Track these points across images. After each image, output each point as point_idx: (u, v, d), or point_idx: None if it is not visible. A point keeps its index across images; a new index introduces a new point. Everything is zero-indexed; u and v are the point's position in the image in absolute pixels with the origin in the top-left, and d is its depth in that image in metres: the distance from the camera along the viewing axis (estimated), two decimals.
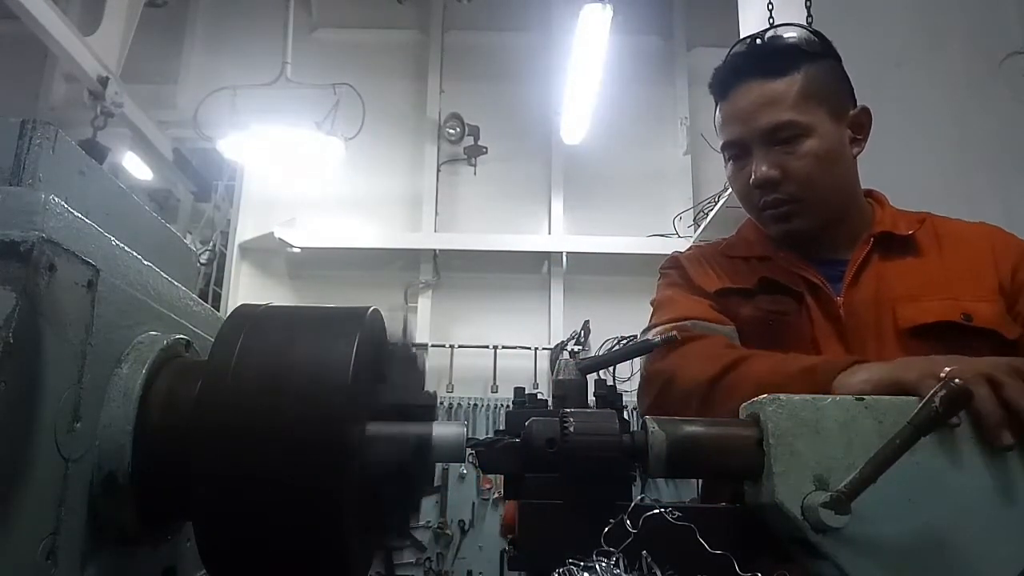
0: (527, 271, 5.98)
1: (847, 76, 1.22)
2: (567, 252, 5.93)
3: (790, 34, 1.18)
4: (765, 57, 1.16)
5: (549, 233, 6.03)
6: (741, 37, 1.23)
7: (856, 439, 0.69)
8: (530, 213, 6.11)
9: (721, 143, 1.23)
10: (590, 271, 5.59)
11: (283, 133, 5.25)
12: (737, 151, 1.20)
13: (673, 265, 1.32)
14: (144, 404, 0.68)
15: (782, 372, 0.89)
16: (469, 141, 6.08)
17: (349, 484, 0.60)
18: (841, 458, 0.68)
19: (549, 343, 5.69)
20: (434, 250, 5.92)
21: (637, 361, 1.16)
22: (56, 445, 0.59)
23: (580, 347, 5.34)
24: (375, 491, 0.66)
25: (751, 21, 2.91)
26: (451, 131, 6.07)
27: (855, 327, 1.12)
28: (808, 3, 2.32)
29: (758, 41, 1.19)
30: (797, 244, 1.21)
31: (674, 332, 1.05)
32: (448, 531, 5.04)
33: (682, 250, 1.37)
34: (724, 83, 1.20)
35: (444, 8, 6.42)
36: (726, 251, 1.31)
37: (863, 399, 0.71)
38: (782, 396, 0.71)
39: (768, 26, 1.21)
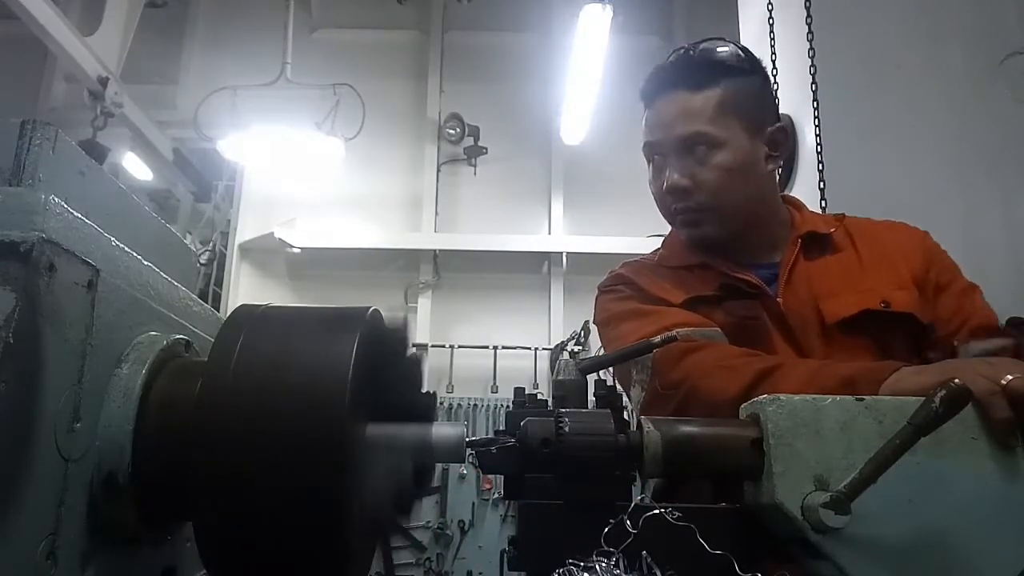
0: (527, 271, 5.98)
1: (771, 94, 1.30)
2: (567, 252, 5.93)
3: (722, 48, 1.23)
4: (689, 70, 1.21)
5: (549, 233, 6.04)
6: (675, 48, 1.28)
7: (856, 439, 0.68)
8: (530, 213, 6.11)
9: (642, 148, 1.28)
10: (590, 271, 5.58)
11: (283, 133, 5.25)
12: (655, 157, 1.25)
13: (620, 281, 1.32)
14: (144, 404, 0.68)
15: (817, 385, 0.89)
16: (469, 141, 6.08)
17: (349, 484, 0.60)
18: (841, 458, 0.68)
19: (549, 343, 5.69)
20: (434, 250, 5.92)
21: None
22: (56, 445, 0.59)
23: (580, 347, 5.34)
24: (375, 491, 0.66)
25: (751, 21, 2.91)
26: (451, 131, 6.07)
27: (797, 324, 1.17)
28: (808, 3, 2.32)
29: (690, 53, 1.23)
30: (714, 249, 1.25)
31: (675, 332, 1.05)
32: (448, 531, 5.05)
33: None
34: (650, 91, 1.26)
35: (444, 8, 6.42)
36: (662, 263, 1.33)
37: (863, 399, 0.71)
38: (782, 396, 0.71)
39: (703, 38, 1.27)
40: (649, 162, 1.28)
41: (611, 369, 1.14)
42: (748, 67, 1.24)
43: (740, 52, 1.24)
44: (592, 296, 1.36)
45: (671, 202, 1.23)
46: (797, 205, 1.37)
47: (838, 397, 0.71)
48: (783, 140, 1.29)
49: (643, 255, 1.39)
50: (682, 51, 1.25)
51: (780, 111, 2.49)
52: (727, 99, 1.18)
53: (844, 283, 1.20)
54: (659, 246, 1.38)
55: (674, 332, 1.02)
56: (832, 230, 1.27)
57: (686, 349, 1.07)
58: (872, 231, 1.29)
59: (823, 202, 2.23)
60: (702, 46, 1.23)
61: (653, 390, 1.11)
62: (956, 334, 1.14)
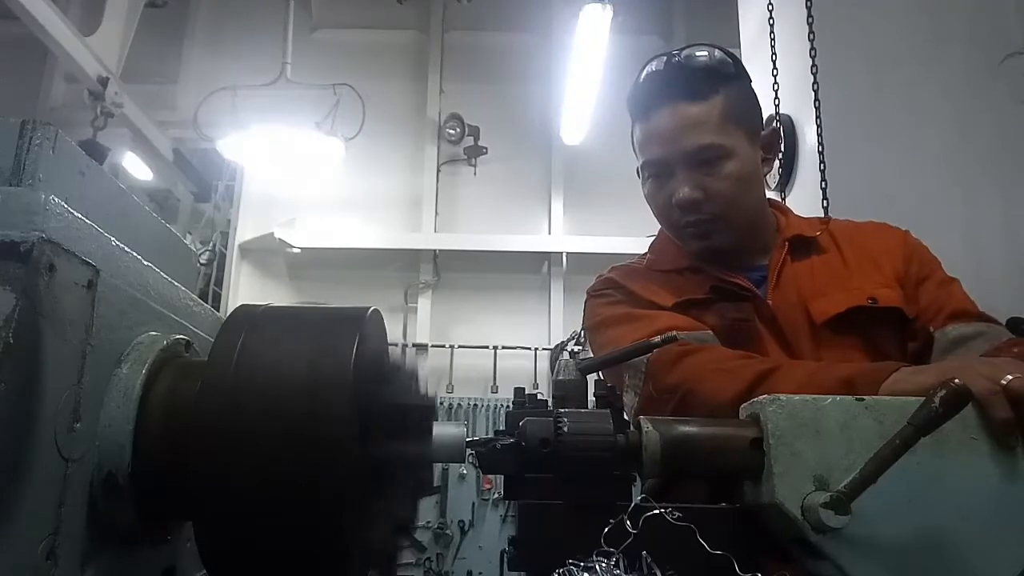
0: (527, 271, 5.98)
1: (757, 98, 1.26)
2: (567, 252, 5.93)
3: (702, 53, 1.20)
4: (686, 79, 1.18)
5: (549, 233, 6.04)
6: (657, 55, 1.24)
7: (856, 439, 0.68)
8: (530, 213, 6.11)
9: (641, 162, 1.25)
10: (590, 271, 5.56)
11: (283, 133, 5.24)
12: (658, 171, 1.22)
13: (610, 286, 1.31)
14: (144, 404, 0.68)
15: (815, 386, 0.88)
16: (469, 141, 6.08)
17: (349, 484, 0.60)
18: (841, 458, 0.68)
19: (549, 343, 5.69)
20: (434, 250, 5.92)
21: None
22: (56, 445, 0.59)
23: (580, 347, 5.33)
24: (375, 491, 0.66)
25: (751, 21, 2.91)
26: (451, 131, 6.07)
27: (787, 325, 1.17)
28: (809, 3, 2.32)
29: (675, 60, 1.20)
30: (715, 256, 1.25)
31: (674, 333, 1.05)
32: (448, 531, 5.05)
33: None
34: (645, 104, 1.21)
35: (444, 8, 6.42)
36: (652, 266, 1.32)
37: (863, 399, 0.71)
38: (782, 396, 0.71)
39: (688, 44, 1.23)
40: (647, 178, 1.25)
41: (601, 374, 1.13)
42: (738, 72, 1.23)
43: (728, 57, 1.22)
44: None
45: (680, 215, 1.21)
46: (782, 209, 1.37)
47: (838, 397, 0.71)
48: (775, 142, 1.29)
49: (632, 259, 1.38)
50: (667, 58, 1.21)
51: (780, 111, 2.50)
52: (728, 107, 1.17)
53: (831, 283, 1.20)
54: (646, 250, 1.37)
55: (673, 333, 1.02)
56: (818, 233, 1.27)
57: (681, 352, 1.07)
58: (855, 233, 1.30)
59: (825, 202, 2.23)
60: (686, 52, 1.20)
61: (647, 394, 1.10)
62: (934, 322, 1.14)
